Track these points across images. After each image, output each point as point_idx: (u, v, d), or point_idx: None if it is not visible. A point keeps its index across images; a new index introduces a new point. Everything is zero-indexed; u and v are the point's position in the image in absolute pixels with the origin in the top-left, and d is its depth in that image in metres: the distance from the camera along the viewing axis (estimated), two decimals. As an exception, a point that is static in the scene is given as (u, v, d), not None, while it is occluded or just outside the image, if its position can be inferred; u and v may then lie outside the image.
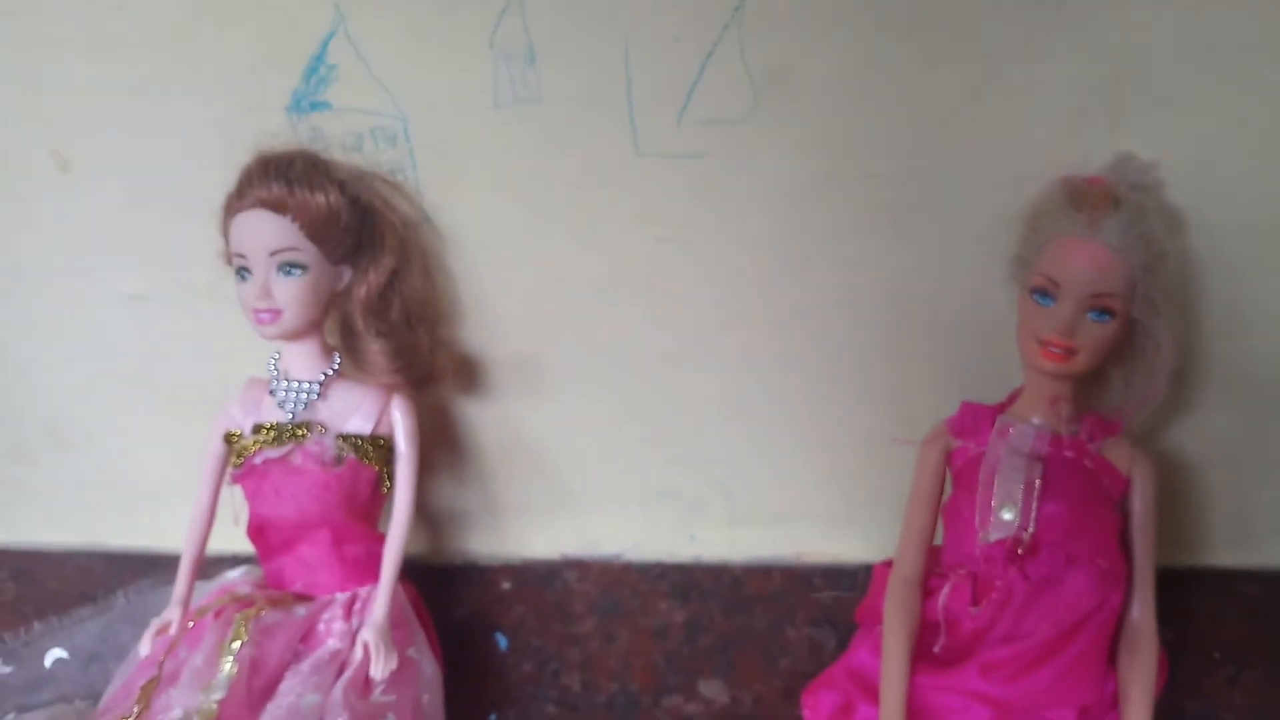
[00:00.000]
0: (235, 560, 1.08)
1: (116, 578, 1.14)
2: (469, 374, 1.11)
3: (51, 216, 1.08)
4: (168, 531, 1.16)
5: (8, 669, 1.04)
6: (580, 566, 1.18)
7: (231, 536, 1.05)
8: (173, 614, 0.96)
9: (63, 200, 1.07)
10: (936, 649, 0.89)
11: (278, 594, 0.98)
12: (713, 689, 1.05)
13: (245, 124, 0.97)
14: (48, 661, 1.05)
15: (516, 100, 0.99)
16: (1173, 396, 1.07)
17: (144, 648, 0.94)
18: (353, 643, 0.94)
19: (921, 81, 0.97)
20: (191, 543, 1.01)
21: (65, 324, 1.13)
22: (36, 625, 1.07)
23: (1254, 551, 1.15)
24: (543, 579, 1.17)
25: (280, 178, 0.91)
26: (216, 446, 1.00)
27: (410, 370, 0.98)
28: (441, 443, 1.15)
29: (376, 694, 0.91)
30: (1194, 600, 1.12)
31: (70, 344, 1.14)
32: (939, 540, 0.96)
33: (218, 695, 0.86)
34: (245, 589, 0.99)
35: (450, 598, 1.13)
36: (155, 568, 1.15)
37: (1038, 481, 0.87)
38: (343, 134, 1.01)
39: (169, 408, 1.15)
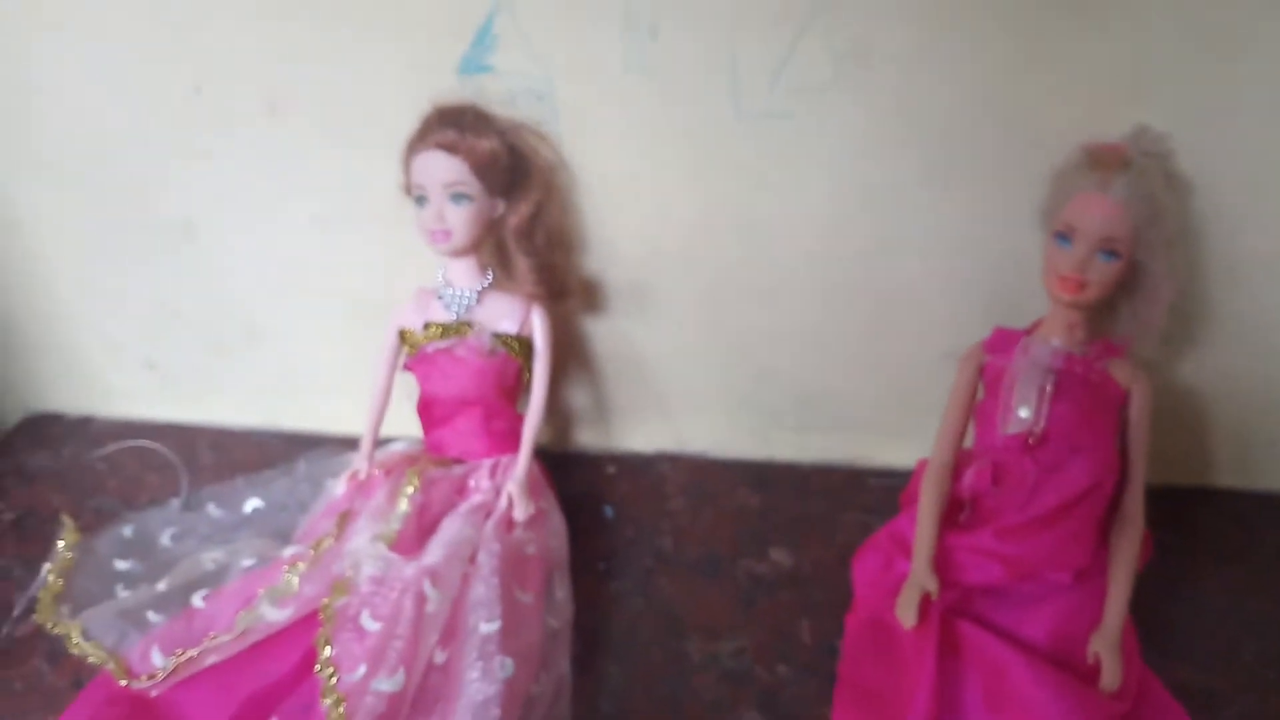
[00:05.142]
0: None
1: (291, 454, 1.33)
2: (591, 294, 1.28)
3: (257, 152, 1.25)
4: (334, 418, 1.39)
5: (220, 512, 1.24)
6: (672, 459, 1.37)
7: (401, 424, 1.25)
8: (361, 464, 1.18)
9: (266, 138, 1.24)
10: (961, 519, 1.07)
11: (438, 457, 1.19)
12: (780, 555, 1.22)
13: (424, 82, 1.13)
14: (248, 509, 1.24)
15: (640, 68, 1.13)
16: (1182, 334, 1.20)
17: (338, 488, 1.16)
18: (497, 496, 1.14)
19: (973, 59, 1.09)
20: (372, 412, 1.21)
21: (263, 239, 1.32)
22: (239, 480, 1.27)
23: (1249, 476, 1.31)
24: (641, 467, 1.36)
25: (454, 125, 1.09)
26: (392, 340, 1.20)
27: (550, 284, 1.17)
28: (565, 352, 1.32)
29: (518, 532, 1.11)
30: (1193, 513, 1.27)
31: (266, 257, 1.33)
32: (970, 445, 1.11)
33: (396, 525, 1.06)
34: (413, 453, 1.21)
35: (566, 478, 1.31)
36: (322, 445, 1.35)
37: (1049, 387, 1.02)
38: (501, 92, 1.15)
39: (346, 315, 1.34)
